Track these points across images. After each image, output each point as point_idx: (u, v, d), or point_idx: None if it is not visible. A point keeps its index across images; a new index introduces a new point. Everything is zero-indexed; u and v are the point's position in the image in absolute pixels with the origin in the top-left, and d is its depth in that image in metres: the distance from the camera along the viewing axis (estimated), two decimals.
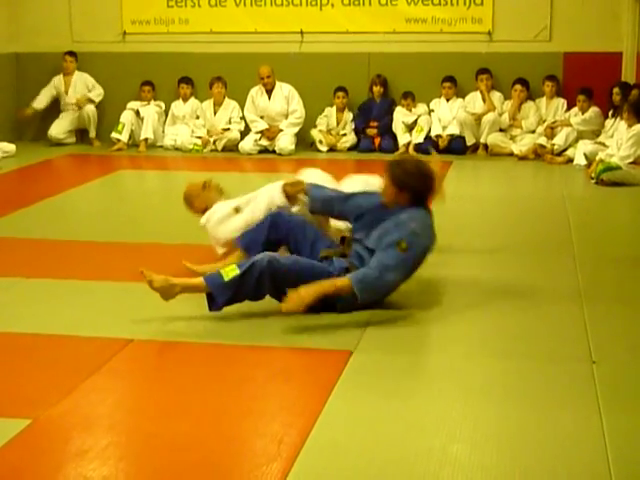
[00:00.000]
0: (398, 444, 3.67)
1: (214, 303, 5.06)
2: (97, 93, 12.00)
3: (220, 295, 5.02)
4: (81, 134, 12.13)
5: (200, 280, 5.10)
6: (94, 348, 4.76)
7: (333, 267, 5.20)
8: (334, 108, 11.50)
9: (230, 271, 5.02)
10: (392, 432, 3.77)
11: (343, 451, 3.62)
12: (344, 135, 11.43)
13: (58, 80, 12.07)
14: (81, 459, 3.56)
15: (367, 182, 6.07)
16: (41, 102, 12.07)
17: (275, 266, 4.98)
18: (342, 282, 5.03)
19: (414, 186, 5.27)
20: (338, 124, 11.49)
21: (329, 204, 5.59)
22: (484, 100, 11.14)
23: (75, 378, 4.33)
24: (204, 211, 6.08)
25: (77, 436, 3.77)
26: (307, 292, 4.90)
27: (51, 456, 3.61)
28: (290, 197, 5.68)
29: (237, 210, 5.88)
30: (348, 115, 11.49)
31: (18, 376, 4.41)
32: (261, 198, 5.81)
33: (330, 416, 3.91)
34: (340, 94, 11.41)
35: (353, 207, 5.49)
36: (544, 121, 10.90)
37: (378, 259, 5.10)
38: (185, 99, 11.84)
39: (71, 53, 11.97)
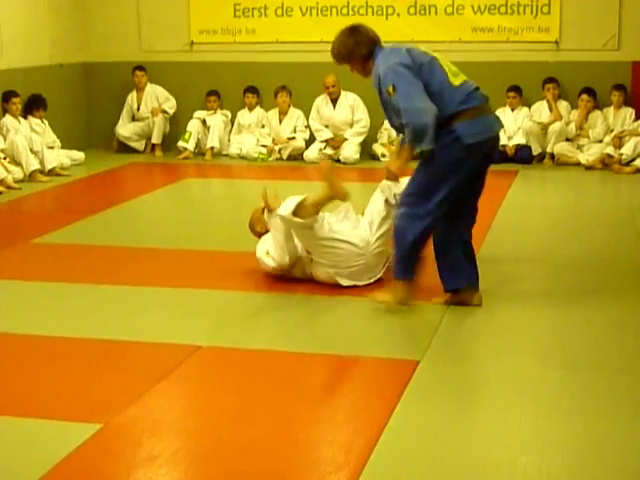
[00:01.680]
0: (466, 455, 3.65)
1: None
2: (170, 105, 12.07)
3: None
4: (152, 144, 12.24)
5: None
6: (163, 354, 4.82)
7: None
8: None
9: None
10: (460, 443, 3.76)
11: (410, 461, 3.62)
12: None
13: (131, 97, 12.21)
14: (151, 464, 3.61)
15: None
16: (125, 127, 12.21)
17: None
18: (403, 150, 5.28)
19: (350, 48, 5.35)
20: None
21: None
22: (550, 109, 11.05)
23: (144, 384, 4.39)
24: (262, 235, 6.20)
25: (147, 441, 3.81)
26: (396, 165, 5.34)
27: (122, 461, 3.66)
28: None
29: (267, 253, 6.01)
30: None
31: (89, 381, 4.48)
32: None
33: (397, 425, 3.91)
34: None
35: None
36: (612, 130, 10.77)
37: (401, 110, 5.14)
38: (251, 108, 11.92)
39: (140, 67, 12.08)
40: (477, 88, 5.37)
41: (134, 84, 12.15)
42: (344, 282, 5.86)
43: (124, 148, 12.16)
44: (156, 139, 12.04)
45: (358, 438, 3.82)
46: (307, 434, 3.90)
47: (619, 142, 10.54)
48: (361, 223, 6.01)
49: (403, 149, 5.28)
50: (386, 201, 5.95)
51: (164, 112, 12.06)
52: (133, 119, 12.26)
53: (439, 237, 5.43)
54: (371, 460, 3.60)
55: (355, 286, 5.82)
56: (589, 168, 10.48)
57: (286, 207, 5.73)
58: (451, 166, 5.17)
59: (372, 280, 5.90)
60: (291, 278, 6.03)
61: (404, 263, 5.39)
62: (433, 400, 4.22)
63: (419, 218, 5.23)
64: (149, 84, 12.14)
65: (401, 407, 4.09)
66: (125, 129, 12.17)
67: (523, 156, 10.93)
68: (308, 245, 5.89)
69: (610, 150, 10.50)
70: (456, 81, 5.26)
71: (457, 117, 5.15)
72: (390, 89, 5.13)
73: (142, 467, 3.60)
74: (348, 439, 3.81)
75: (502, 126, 5.55)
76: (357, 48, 5.36)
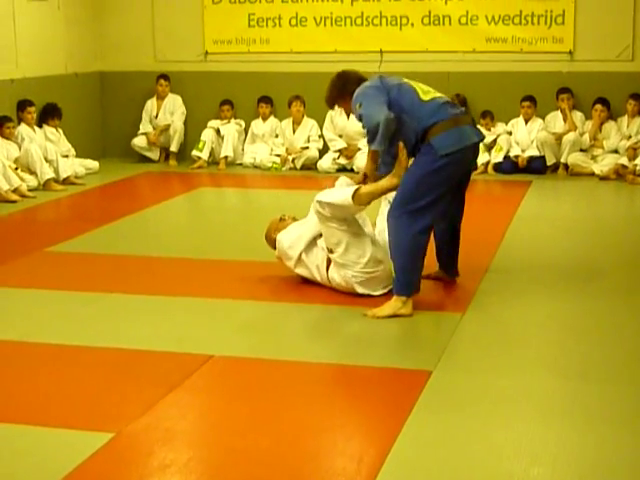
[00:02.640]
0: (478, 467, 3.64)
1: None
2: (177, 117, 12.15)
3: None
4: (166, 154, 12.27)
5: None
6: (175, 363, 4.82)
7: None
8: None
9: None
10: (472, 454, 3.75)
11: (422, 472, 3.61)
12: None
13: (151, 104, 12.24)
14: (163, 473, 3.61)
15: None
16: (140, 138, 12.24)
17: None
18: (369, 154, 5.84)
19: (340, 89, 5.88)
20: None
21: None
22: (564, 120, 11.04)
23: (157, 393, 4.39)
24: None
25: (159, 450, 3.82)
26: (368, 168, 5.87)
27: (134, 470, 3.66)
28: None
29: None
30: None
31: (101, 390, 4.49)
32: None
33: (409, 436, 3.91)
34: None
35: None
36: (629, 137, 10.70)
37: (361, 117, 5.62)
38: (265, 118, 11.94)
39: (165, 77, 12.10)
40: (448, 102, 5.77)
41: (156, 92, 12.19)
42: (360, 289, 5.86)
43: (139, 157, 12.21)
44: (175, 147, 12.05)
45: (370, 449, 3.82)
46: (318, 444, 3.90)
47: (633, 153, 10.51)
48: (375, 232, 6.05)
49: (369, 152, 5.82)
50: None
51: (166, 126, 12.13)
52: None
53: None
54: (382, 471, 3.59)
55: (370, 295, 5.83)
56: (603, 178, 10.45)
57: (343, 194, 5.79)
58: (434, 175, 5.48)
59: (386, 290, 5.87)
60: (305, 287, 6.04)
61: (405, 275, 5.49)
62: (445, 411, 4.21)
63: (413, 220, 5.46)
64: (170, 94, 12.19)
65: (413, 418, 4.08)
66: (140, 139, 12.22)
67: (536, 167, 10.92)
68: (340, 238, 5.82)
69: (624, 161, 10.47)
70: (426, 97, 5.66)
71: (431, 131, 5.50)
72: (357, 106, 5.60)
73: (154, 476, 3.61)
74: (360, 449, 3.81)
75: (482, 137, 5.92)
76: (348, 85, 5.82)
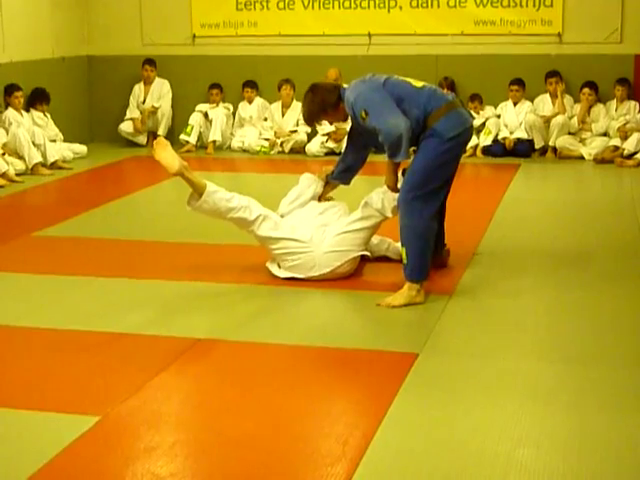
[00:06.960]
0: (463, 448, 3.66)
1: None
2: (164, 101, 12.12)
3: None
4: (154, 138, 12.23)
5: None
6: (162, 347, 4.83)
7: None
8: None
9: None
10: (457, 436, 3.76)
11: (408, 454, 3.62)
12: None
13: (138, 89, 12.21)
14: (149, 456, 3.61)
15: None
16: (128, 123, 12.21)
17: None
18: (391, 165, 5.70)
19: (319, 104, 5.78)
20: None
21: None
22: (553, 103, 11.04)
23: (143, 376, 4.40)
24: None
25: (145, 433, 3.82)
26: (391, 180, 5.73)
27: (120, 452, 3.66)
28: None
29: None
30: None
31: (87, 373, 4.50)
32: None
33: (395, 418, 3.92)
34: None
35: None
36: (620, 118, 10.70)
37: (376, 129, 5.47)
38: (250, 101, 11.92)
39: (150, 62, 12.07)
40: (437, 88, 5.83)
41: (142, 77, 12.15)
42: (280, 274, 5.95)
43: (127, 142, 12.18)
44: (162, 131, 12.00)
45: (355, 431, 3.82)
46: (304, 427, 3.91)
47: (625, 135, 10.49)
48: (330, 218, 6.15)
49: (389, 164, 5.68)
50: (366, 203, 5.95)
51: (153, 108, 12.09)
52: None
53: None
54: (368, 452, 3.60)
55: (293, 278, 5.90)
56: (600, 162, 10.40)
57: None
58: (442, 158, 5.49)
59: (316, 274, 5.88)
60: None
61: (420, 259, 5.46)
62: (431, 393, 4.22)
63: (425, 204, 5.45)
64: (157, 78, 12.16)
65: (399, 400, 4.09)
66: (127, 125, 12.18)
67: (522, 149, 10.92)
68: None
69: (616, 142, 10.46)
70: (418, 84, 5.67)
71: (432, 117, 5.50)
72: (363, 114, 5.50)
73: (140, 459, 3.61)
74: (345, 431, 3.81)
75: (473, 118, 5.98)
76: (326, 97, 5.78)
